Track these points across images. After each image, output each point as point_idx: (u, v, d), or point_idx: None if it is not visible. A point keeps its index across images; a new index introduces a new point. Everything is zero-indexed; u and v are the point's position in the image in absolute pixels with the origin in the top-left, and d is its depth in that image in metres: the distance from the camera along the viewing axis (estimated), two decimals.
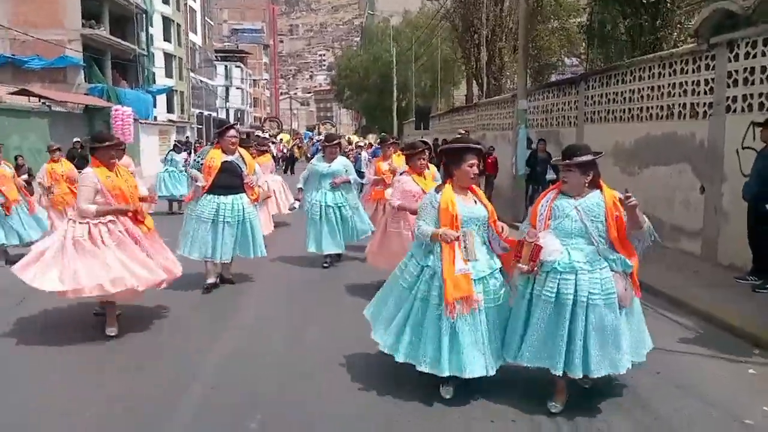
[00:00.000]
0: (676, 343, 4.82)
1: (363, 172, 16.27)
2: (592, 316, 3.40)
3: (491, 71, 21.33)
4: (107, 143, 4.96)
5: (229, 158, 6.26)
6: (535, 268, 3.48)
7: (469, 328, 3.54)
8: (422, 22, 37.38)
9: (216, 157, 6.22)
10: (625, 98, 10.00)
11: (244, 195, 6.34)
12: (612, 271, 3.47)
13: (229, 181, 6.22)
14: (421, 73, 36.96)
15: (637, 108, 9.63)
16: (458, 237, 3.58)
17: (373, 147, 18.21)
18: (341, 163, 7.47)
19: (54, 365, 4.37)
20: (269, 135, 35.02)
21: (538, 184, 11.47)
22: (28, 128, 15.43)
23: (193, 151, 25.69)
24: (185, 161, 13.43)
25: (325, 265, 7.38)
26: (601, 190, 3.57)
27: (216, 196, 6.20)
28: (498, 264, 3.76)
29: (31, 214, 8.13)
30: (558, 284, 3.44)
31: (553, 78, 22.72)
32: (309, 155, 19.43)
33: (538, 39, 22.17)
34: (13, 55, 25.24)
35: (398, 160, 8.18)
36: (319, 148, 14.62)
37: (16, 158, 11.36)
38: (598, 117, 11.00)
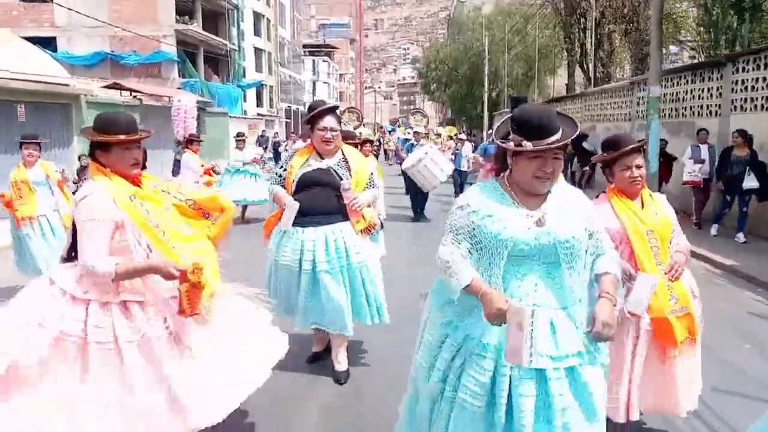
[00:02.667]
0: None
1: (466, 173, 13.47)
2: None
3: (599, 58, 19.41)
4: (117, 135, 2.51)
5: (320, 164, 3.80)
6: None
7: None
8: (515, 9, 35.65)
9: (295, 164, 3.82)
10: None
11: (345, 225, 3.80)
12: None
13: (316, 201, 3.72)
14: (514, 62, 35.13)
15: None
16: None
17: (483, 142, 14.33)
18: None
19: None
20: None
21: (732, 193, 8.61)
22: None
23: (269, 149, 23.60)
24: (258, 159, 10.87)
25: None
26: None
27: (299, 229, 3.73)
28: None
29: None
30: None
31: None
32: (397, 155, 14.97)
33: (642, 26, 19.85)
34: (111, 51, 25.93)
35: None
36: (414, 143, 12.37)
37: (79, 158, 9.84)
38: (752, 105, 9.20)
